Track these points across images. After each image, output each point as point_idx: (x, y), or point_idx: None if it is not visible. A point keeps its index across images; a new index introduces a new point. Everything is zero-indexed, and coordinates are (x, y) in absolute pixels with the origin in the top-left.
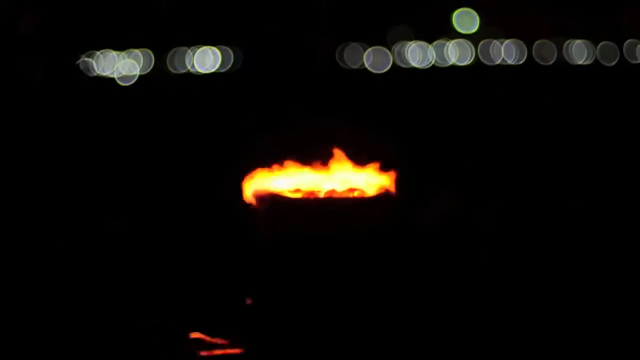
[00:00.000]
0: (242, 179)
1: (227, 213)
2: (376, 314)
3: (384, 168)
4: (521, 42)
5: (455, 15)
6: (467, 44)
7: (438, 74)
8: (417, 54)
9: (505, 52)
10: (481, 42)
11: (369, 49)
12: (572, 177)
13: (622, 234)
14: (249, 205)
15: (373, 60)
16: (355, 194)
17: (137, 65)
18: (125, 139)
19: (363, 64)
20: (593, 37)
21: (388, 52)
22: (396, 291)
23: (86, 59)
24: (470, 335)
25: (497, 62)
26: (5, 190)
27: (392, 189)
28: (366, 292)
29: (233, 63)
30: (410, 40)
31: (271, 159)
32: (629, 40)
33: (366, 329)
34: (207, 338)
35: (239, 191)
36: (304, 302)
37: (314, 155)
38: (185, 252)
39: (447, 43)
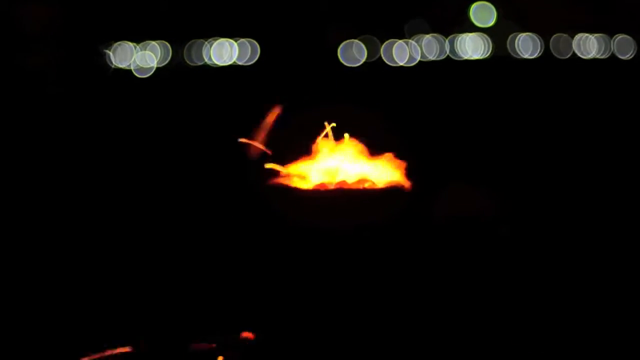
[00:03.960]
0: (255, 171)
1: (238, 204)
2: (383, 308)
3: (397, 157)
4: (538, 36)
5: (473, 8)
6: (484, 38)
7: (454, 67)
8: (434, 47)
9: (523, 45)
10: (498, 36)
11: (386, 42)
12: (584, 172)
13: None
14: (260, 197)
15: (388, 52)
16: (366, 185)
17: (154, 58)
18: (141, 131)
19: (380, 56)
20: (610, 31)
21: (405, 44)
22: (404, 285)
23: (106, 51)
24: (478, 331)
25: (514, 56)
26: (31, 183)
27: (404, 181)
28: (374, 285)
29: (250, 55)
30: (427, 33)
31: (283, 151)
32: None
33: (371, 322)
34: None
35: (250, 183)
36: (312, 294)
37: (326, 147)
38: (197, 243)
39: (464, 36)
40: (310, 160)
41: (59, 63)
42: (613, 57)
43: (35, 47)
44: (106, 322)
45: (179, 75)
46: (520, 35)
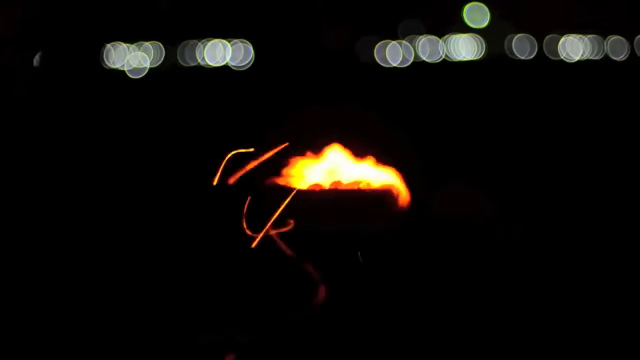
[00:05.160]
0: (250, 172)
1: (233, 205)
2: (378, 311)
3: (392, 158)
4: (532, 37)
5: (466, 9)
6: (477, 38)
7: (447, 68)
8: (428, 48)
9: (516, 46)
10: (492, 37)
11: (380, 43)
12: (579, 172)
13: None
14: (255, 197)
15: (383, 54)
16: (361, 186)
17: (147, 58)
18: (135, 132)
19: (374, 58)
20: (603, 32)
21: (399, 45)
22: (402, 285)
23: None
24: (476, 334)
25: (508, 57)
26: (28, 183)
27: (398, 182)
28: (372, 285)
29: (244, 57)
30: (421, 34)
31: (278, 152)
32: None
33: (370, 321)
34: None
35: (246, 184)
36: (307, 295)
37: (320, 147)
38: (191, 244)
39: (458, 37)
40: (307, 161)
41: (51, 63)
42: (606, 58)
43: (11, 49)
44: (105, 322)
45: (172, 75)
46: (513, 36)
